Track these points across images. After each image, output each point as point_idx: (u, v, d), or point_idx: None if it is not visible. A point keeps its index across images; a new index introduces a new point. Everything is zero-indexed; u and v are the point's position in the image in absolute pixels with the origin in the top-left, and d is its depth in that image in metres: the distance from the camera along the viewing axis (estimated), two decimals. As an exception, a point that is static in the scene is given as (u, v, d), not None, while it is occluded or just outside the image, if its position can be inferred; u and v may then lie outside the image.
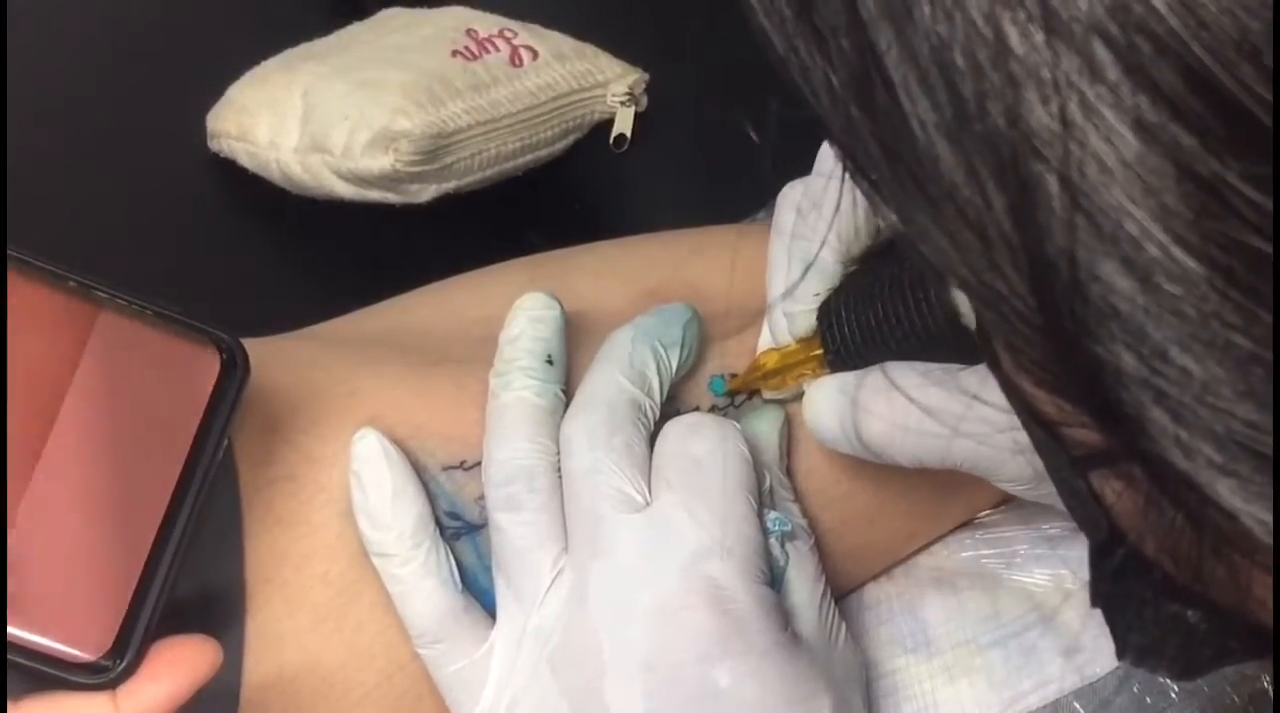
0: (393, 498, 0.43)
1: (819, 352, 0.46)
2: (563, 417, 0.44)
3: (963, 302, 0.42)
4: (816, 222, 0.45)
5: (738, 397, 0.49)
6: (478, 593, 0.44)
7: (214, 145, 0.72)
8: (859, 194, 0.24)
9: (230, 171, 0.71)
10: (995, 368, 0.24)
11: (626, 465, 0.43)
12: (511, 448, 0.44)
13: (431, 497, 0.44)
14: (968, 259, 0.21)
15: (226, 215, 0.73)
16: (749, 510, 0.43)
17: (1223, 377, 0.19)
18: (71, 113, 0.73)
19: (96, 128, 0.72)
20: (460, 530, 0.45)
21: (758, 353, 0.48)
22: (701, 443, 0.44)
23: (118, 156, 0.72)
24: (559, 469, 0.44)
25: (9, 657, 0.35)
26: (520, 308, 0.46)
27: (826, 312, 0.46)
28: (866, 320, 0.44)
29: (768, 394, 0.49)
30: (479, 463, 0.45)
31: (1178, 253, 0.18)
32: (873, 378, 0.43)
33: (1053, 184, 0.19)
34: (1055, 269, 0.19)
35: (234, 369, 0.38)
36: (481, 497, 0.45)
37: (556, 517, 0.43)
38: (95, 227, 0.69)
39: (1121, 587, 0.28)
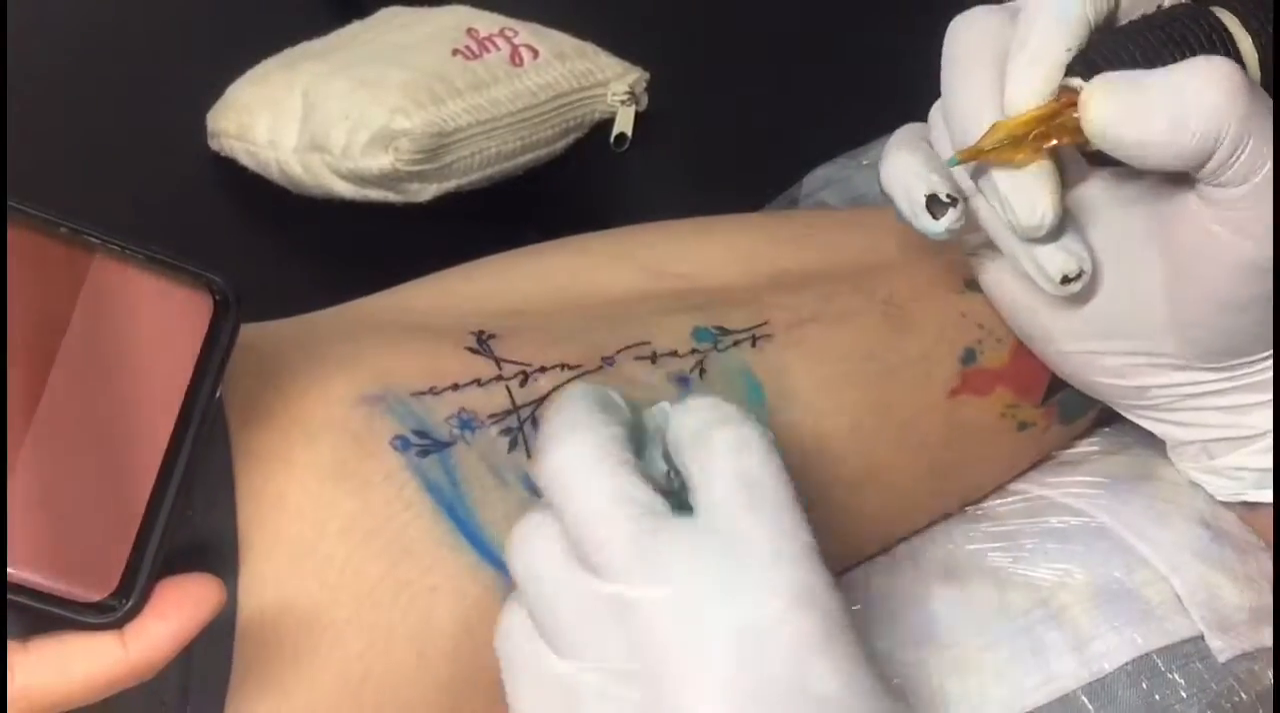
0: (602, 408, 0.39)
1: (1077, 108, 0.41)
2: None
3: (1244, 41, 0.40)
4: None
5: (721, 341, 0.49)
6: (445, 508, 0.45)
7: (214, 144, 0.72)
8: None
9: (230, 171, 0.71)
10: None
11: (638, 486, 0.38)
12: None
13: (399, 419, 0.45)
14: None
15: (226, 215, 0.73)
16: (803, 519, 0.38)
17: None
18: (72, 112, 0.73)
19: (97, 127, 0.73)
20: (428, 448, 0.46)
21: (987, 127, 0.43)
22: (751, 457, 0.38)
23: (118, 156, 0.72)
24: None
25: (17, 599, 0.35)
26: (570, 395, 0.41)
27: (1085, 63, 0.41)
28: (1151, 51, 0.41)
29: (1013, 170, 0.43)
30: (449, 388, 0.46)
31: None
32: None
33: None
34: None
35: (227, 309, 0.38)
36: (449, 417, 0.46)
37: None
38: (95, 225, 0.68)
39: None
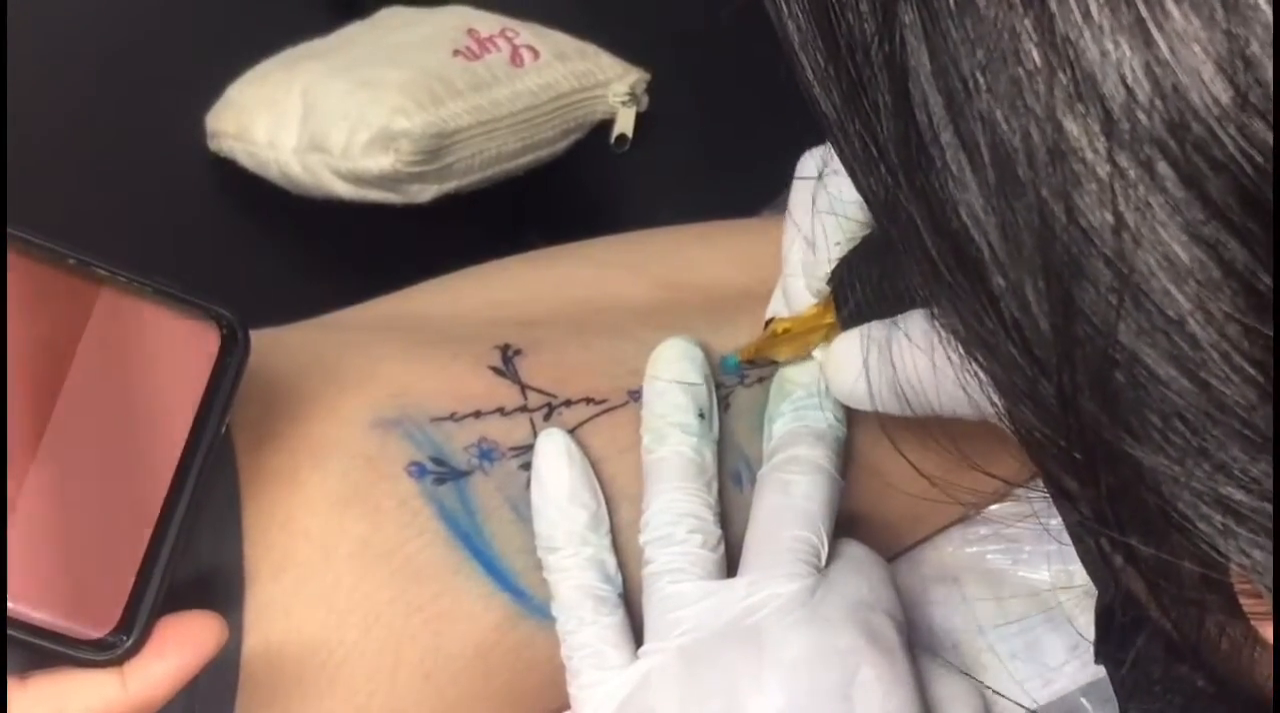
0: (569, 498, 0.44)
1: (831, 319, 0.45)
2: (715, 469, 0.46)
3: None
4: (837, 183, 0.45)
5: (747, 377, 0.49)
6: (460, 537, 0.45)
7: (214, 145, 0.72)
8: None
9: (230, 171, 0.71)
10: (1014, 428, 0.24)
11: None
12: (670, 497, 0.44)
13: (416, 445, 0.44)
14: (1000, 350, 0.22)
15: (226, 215, 0.73)
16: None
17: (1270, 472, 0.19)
18: (72, 112, 0.72)
19: (97, 127, 0.72)
20: (445, 476, 0.45)
21: (767, 318, 0.48)
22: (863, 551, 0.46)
23: (118, 156, 0.72)
24: (718, 518, 0.45)
25: (17, 635, 0.35)
26: (663, 357, 0.47)
27: (839, 274, 0.45)
28: (878, 280, 0.43)
29: (783, 362, 0.48)
30: (470, 415, 0.46)
31: (1227, 355, 0.19)
32: (912, 319, 0.43)
33: (1105, 276, 0.19)
34: (1093, 357, 0.20)
35: (234, 344, 0.38)
36: (469, 445, 0.45)
37: (713, 554, 0.44)
38: (95, 226, 0.68)
39: (1126, 649, 0.28)
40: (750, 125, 0.76)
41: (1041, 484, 0.52)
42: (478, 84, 0.70)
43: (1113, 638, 0.28)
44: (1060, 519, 0.52)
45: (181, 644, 0.36)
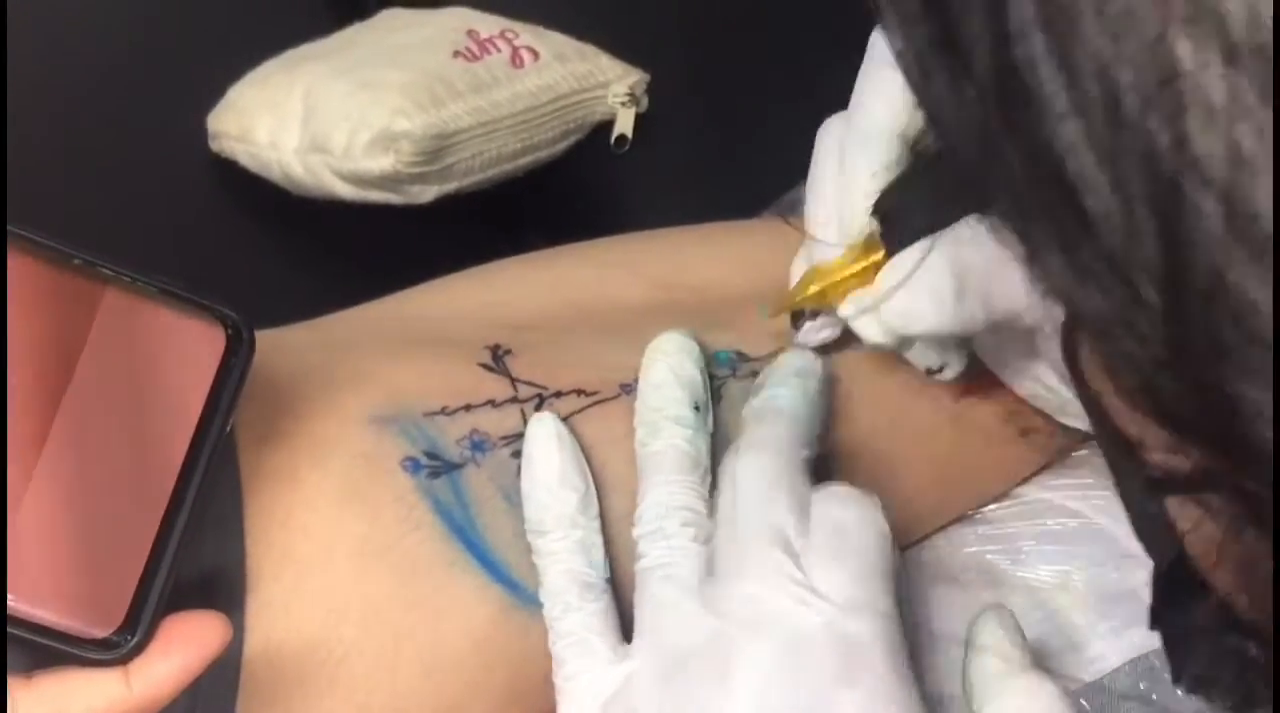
0: (559, 481, 0.44)
1: (877, 257, 0.44)
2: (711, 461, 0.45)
3: None
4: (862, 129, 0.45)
5: (740, 369, 0.49)
6: (454, 530, 0.45)
7: (214, 146, 0.72)
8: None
9: (230, 172, 0.71)
10: (1079, 385, 0.24)
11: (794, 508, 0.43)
12: (664, 490, 0.44)
13: (410, 440, 0.45)
14: (1099, 280, 0.21)
15: (227, 215, 0.73)
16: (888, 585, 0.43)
17: None
18: (72, 113, 0.73)
19: (97, 128, 0.73)
20: (439, 470, 0.46)
21: (795, 274, 0.47)
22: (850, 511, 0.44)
23: (118, 157, 0.72)
24: (709, 513, 0.45)
25: (21, 634, 0.35)
26: (659, 351, 0.47)
27: (884, 210, 0.43)
28: (929, 203, 0.43)
29: (838, 309, 0.47)
30: (461, 408, 0.46)
31: None
32: (969, 227, 0.42)
33: (1213, 206, 0.18)
34: (1199, 288, 0.19)
35: (240, 344, 0.38)
36: (461, 438, 0.46)
37: (706, 548, 0.44)
38: (95, 226, 0.68)
39: (1183, 615, 0.27)
40: (750, 125, 0.76)
41: (1058, 467, 0.52)
42: (478, 85, 0.70)
43: (1173, 604, 0.27)
44: (1063, 515, 0.53)
45: (186, 643, 0.36)
